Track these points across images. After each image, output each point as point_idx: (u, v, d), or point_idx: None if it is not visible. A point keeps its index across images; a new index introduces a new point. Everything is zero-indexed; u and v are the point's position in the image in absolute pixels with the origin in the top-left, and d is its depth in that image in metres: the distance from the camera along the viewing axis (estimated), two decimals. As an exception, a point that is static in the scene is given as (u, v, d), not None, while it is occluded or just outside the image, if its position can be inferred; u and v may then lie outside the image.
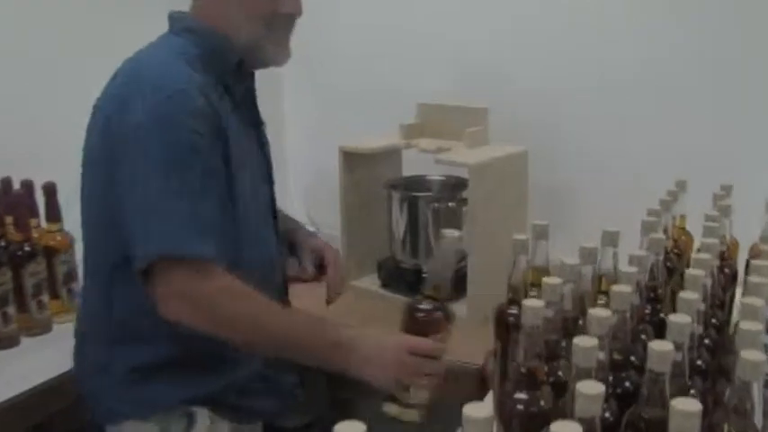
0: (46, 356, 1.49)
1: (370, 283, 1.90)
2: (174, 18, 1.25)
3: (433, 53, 2.04)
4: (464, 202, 1.73)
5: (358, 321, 1.74)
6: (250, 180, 1.25)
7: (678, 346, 0.78)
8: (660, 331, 0.90)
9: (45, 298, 1.59)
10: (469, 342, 1.54)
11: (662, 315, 1.04)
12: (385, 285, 1.87)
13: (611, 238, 1.06)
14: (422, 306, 1.21)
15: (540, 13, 1.92)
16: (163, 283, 1.10)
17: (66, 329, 1.44)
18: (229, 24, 1.21)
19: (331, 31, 2.19)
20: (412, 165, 1.96)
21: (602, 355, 0.81)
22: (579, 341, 0.77)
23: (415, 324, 1.20)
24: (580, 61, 1.89)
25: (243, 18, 1.21)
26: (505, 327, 1.14)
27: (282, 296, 1.39)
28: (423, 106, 1.92)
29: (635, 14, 1.82)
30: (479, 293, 1.68)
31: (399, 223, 1.82)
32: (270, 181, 1.38)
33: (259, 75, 1.35)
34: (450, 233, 1.25)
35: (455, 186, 1.83)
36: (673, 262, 1.23)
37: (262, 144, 1.36)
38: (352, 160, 1.84)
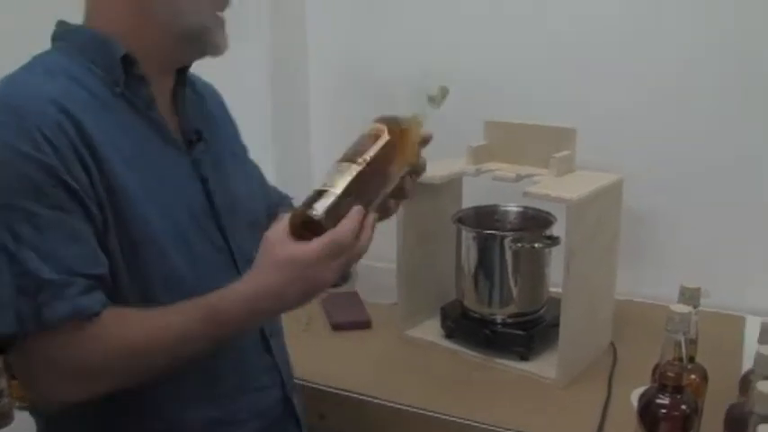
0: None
1: (432, 332, 1.62)
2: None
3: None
4: (552, 241, 1.46)
5: (414, 379, 1.46)
6: (160, 209, 0.96)
7: None
8: None
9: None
10: (563, 416, 1.30)
11: None
12: (449, 336, 1.59)
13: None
14: None
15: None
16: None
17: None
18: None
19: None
20: (474, 193, 1.68)
21: None
22: None
23: None
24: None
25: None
26: (653, 420, 1.00)
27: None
28: (491, 125, 1.64)
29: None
30: (572, 351, 1.41)
31: (469, 264, 1.53)
32: (214, 215, 1.06)
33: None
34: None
35: (536, 221, 1.55)
36: None
37: (196, 165, 1.05)
38: (411, 189, 1.55)
